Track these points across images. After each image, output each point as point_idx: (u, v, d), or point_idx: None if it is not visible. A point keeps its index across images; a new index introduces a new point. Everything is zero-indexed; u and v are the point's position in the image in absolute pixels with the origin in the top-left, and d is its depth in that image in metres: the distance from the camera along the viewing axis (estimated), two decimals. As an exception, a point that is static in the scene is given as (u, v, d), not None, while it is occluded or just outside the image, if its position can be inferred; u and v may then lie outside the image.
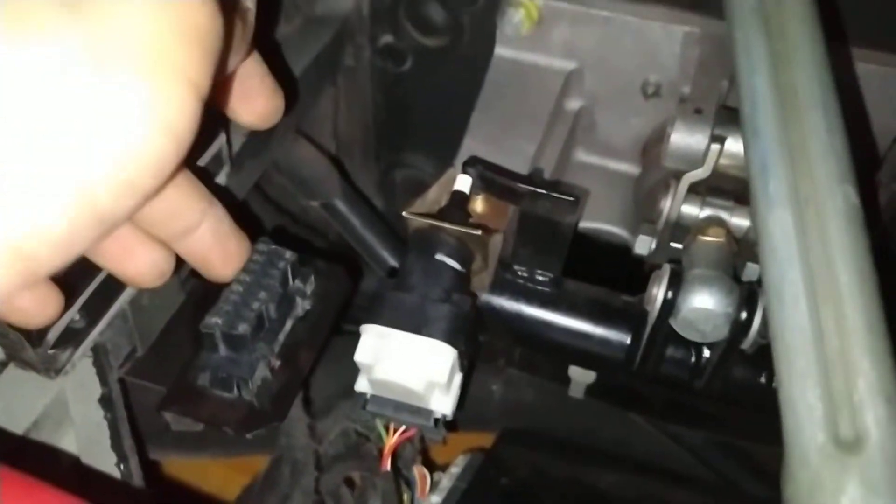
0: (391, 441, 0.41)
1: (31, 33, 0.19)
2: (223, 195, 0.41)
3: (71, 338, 0.36)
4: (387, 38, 0.59)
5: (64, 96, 0.20)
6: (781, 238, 0.25)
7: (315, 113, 0.66)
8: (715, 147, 0.43)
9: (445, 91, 0.60)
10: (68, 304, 0.34)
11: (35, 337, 0.34)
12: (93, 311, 0.36)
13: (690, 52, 0.48)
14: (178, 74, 0.22)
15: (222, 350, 0.35)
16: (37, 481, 0.22)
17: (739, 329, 0.41)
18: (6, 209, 0.19)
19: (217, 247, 0.32)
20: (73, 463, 0.35)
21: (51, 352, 0.35)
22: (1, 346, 0.36)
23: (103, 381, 0.37)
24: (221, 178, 0.42)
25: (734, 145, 0.43)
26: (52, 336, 0.34)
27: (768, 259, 0.25)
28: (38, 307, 0.29)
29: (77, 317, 0.35)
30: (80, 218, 0.21)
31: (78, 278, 0.33)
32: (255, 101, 0.34)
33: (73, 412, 0.37)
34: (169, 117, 0.22)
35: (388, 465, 0.44)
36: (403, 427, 0.40)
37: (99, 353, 0.38)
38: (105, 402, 0.36)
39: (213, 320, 0.34)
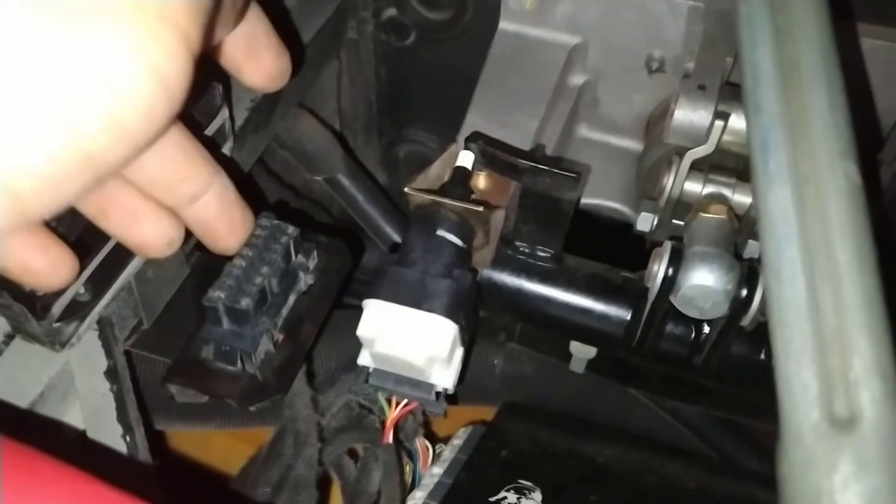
0: (393, 414, 0.41)
1: None
2: (227, 168, 0.41)
3: (76, 310, 0.36)
4: (390, 12, 0.58)
5: (47, 33, 0.20)
6: (780, 215, 0.25)
7: (318, 87, 0.65)
8: (718, 123, 0.43)
9: (449, 65, 0.60)
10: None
11: (40, 310, 0.34)
12: (98, 284, 0.36)
13: (695, 27, 0.48)
14: (165, 21, 0.22)
15: (226, 323, 0.35)
16: (39, 453, 0.22)
17: (739, 306, 0.41)
18: None
19: (223, 216, 0.32)
20: (78, 436, 0.36)
21: (56, 325, 0.35)
22: (6, 319, 0.36)
23: (109, 353, 0.37)
24: (225, 153, 0.43)
25: (737, 122, 0.43)
26: (56, 309, 0.35)
27: (767, 236, 0.25)
28: (51, 268, 0.29)
29: (82, 290, 0.36)
30: (67, 157, 0.21)
31: (83, 251, 0.33)
32: (261, 60, 0.33)
33: (78, 384, 0.37)
34: (156, 62, 0.22)
35: (389, 438, 0.44)
36: (405, 400, 0.41)
37: (104, 326, 0.38)
38: (111, 374, 0.37)
39: (216, 294, 0.34)
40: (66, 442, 0.35)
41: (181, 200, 0.31)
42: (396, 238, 0.61)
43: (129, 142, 0.22)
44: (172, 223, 0.31)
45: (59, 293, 0.34)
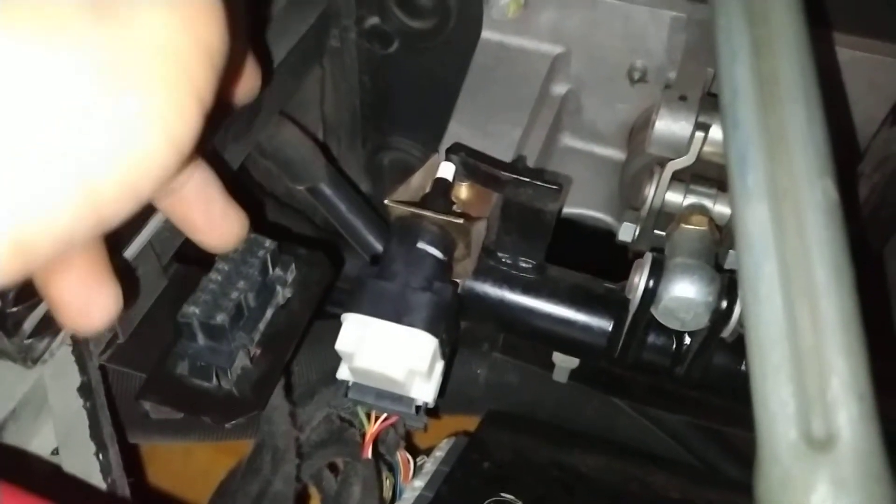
0: (373, 428, 0.41)
1: (54, 33, 0.20)
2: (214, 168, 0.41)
3: (48, 326, 0.35)
4: (373, 20, 0.58)
5: (81, 98, 0.20)
6: (758, 232, 0.24)
7: (301, 95, 0.65)
8: (699, 135, 0.42)
9: (432, 74, 0.60)
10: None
11: (11, 326, 0.33)
12: (70, 299, 0.36)
13: (677, 38, 0.48)
14: (189, 89, 0.23)
15: (201, 339, 0.35)
16: (5, 484, 0.22)
17: (720, 318, 0.41)
18: (15, 201, 0.20)
19: (200, 209, 0.31)
20: (47, 465, 0.35)
21: (27, 341, 0.35)
22: (-23, 335, 0.36)
23: (82, 369, 0.37)
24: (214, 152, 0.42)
25: (718, 133, 0.42)
26: (28, 325, 0.34)
27: (744, 253, 0.25)
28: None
29: (54, 305, 0.35)
30: (82, 217, 0.21)
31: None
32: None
33: (51, 401, 0.37)
34: (176, 129, 0.23)
35: (369, 453, 0.44)
36: (385, 414, 0.40)
37: (78, 341, 0.37)
38: (84, 390, 0.36)
39: (191, 310, 0.34)
40: (36, 467, 0.34)
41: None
42: (379, 247, 0.61)
43: (137, 200, 0.23)
44: (104, 291, 0.27)
45: (31, 308, 0.34)
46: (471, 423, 0.59)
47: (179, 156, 0.23)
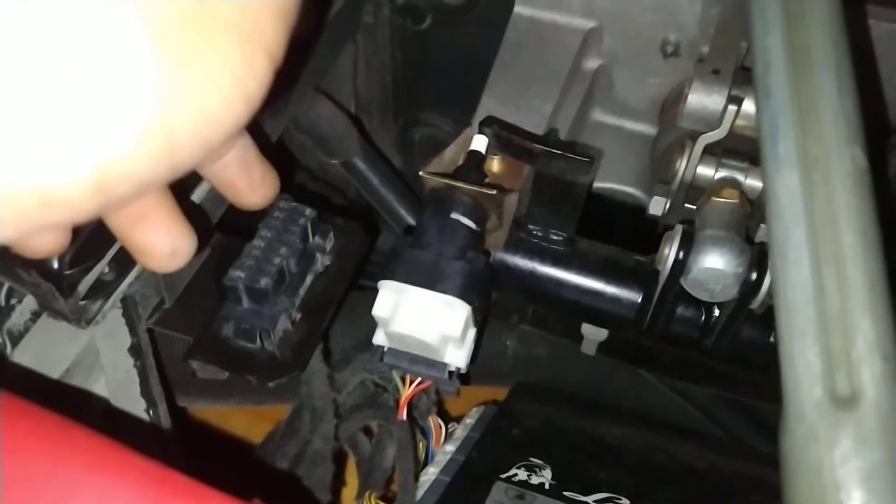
0: (407, 392, 0.42)
1: None
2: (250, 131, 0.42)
3: (101, 289, 0.37)
4: (406, -4, 0.59)
5: (162, 48, 0.21)
6: (787, 199, 0.25)
7: (334, 71, 0.66)
8: (732, 108, 0.43)
9: (464, 49, 0.60)
10: (98, 257, 0.35)
11: (67, 288, 0.35)
12: (122, 264, 0.37)
13: (711, 11, 0.48)
14: (263, 47, 0.23)
15: (245, 302, 0.36)
16: (71, 422, 0.23)
17: (749, 289, 0.41)
18: (98, 140, 0.21)
19: (243, 174, 0.33)
20: (105, 407, 0.37)
21: (82, 303, 0.36)
22: (34, 297, 0.38)
23: (132, 330, 0.38)
24: (243, 139, 0.43)
25: (750, 106, 0.43)
26: (82, 287, 0.36)
27: (774, 219, 0.25)
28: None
29: (107, 269, 0.37)
30: (159, 163, 0.22)
31: (107, 232, 0.34)
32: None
33: (103, 360, 0.39)
34: (249, 86, 0.23)
35: (404, 415, 0.45)
36: (419, 379, 0.42)
37: (128, 305, 0.39)
38: (134, 350, 0.38)
39: (237, 274, 0.35)
40: (93, 412, 0.36)
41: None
42: (411, 221, 0.62)
43: (207, 152, 0.24)
44: (183, 233, 0.30)
45: (85, 272, 0.35)
46: (499, 393, 0.60)
47: (250, 109, 0.24)
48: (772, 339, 0.46)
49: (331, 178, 0.73)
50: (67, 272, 0.34)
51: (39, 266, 0.33)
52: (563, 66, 0.52)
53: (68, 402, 0.37)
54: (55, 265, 0.33)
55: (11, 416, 0.24)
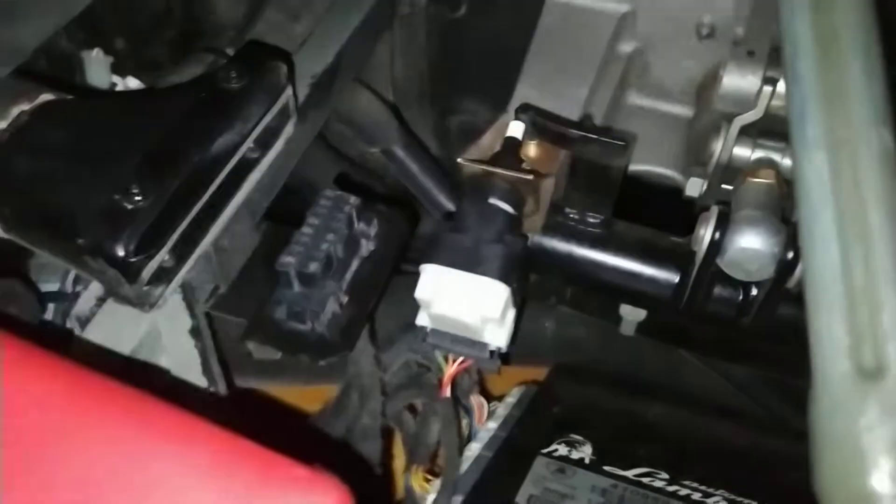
0: (450, 370, 0.44)
1: None
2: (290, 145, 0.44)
3: (162, 276, 0.40)
4: (442, -15, 0.60)
5: None
6: (815, 180, 0.26)
7: (372, 61, 0.67)
8: (766, 89, 0.43)
9: (499, 36, 0.61)
10: (160, 246, 0.38)
11: (132, 274, 0.38)
12: (181, 252, 0.40)
13: (745, -8, 0.48)
14: None
15: (296, 286, 0.38)
16: (142, 393, 0.26)
17: (785, 268, 0.42)
18: None
19: None
20: (168, 382, 0.40)
21: (145, 288, 0.39)
22: (101, 283, 0.40)
23: (192, 314, 0.41)
24: (288, 129, 0.45)
25: (784, 83, 0.43)
26: (146, 274, 0.38)
27: (802, 200, 0.26)
28: None
29: (167, 257, 0.39)
30: None
31: (168, 223, 0.37)
32: None
33: (165, 342, 0.41)
34: None
35: (447, 392, 0.47)
36: (461, 358, 0.43)
37: (187, 290, 0.42)
38: (194, 332, 0.40)
39: (288, 259, 0.37)
40: (160, 387, 0.39)
41: None
42: (449, 207, 0.63)
43: None
44: None
45: (148, 259, 0.38)
46: (538, 374, 0.61)
47: None
48: (808, 316, 0.46)
49: (368, 165, 0.75)
50: (132, 260, 0.37)
51: (107, 254, 0.36)
52: (598, 50, 0.52)
53: (136, 379, 0.39)
54: (121, 253, 0.36)
55: (86, 389, 0.26)
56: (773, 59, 0.43)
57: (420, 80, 0.71)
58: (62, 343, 0.40)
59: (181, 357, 0.41)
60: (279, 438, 0.29)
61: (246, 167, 0.42)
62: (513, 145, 0.45)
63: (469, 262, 0.40)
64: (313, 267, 0.37)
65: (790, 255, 0.41)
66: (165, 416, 0.25)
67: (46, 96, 0.40)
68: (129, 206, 0.35)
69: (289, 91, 0.44)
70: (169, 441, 0.24)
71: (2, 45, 0.36)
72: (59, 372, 0.27)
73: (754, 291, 0.47)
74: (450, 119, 0.73)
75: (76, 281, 0.48)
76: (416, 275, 0.41)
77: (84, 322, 0.44)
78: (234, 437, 0.24)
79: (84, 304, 0.45)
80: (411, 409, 0.52)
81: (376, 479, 0.47)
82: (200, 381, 0.39)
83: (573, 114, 0.49)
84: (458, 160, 0.44)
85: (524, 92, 0.51)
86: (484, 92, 0.68)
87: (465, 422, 0.51)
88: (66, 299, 0.47)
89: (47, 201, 0.37)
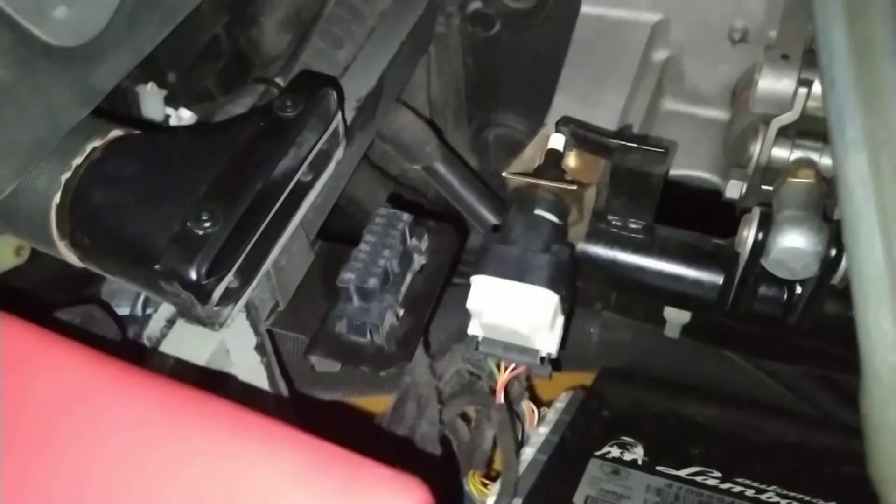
0: (503, 377, 0.45)
1: None
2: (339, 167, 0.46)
3: (230, 296, 0.42)
4: (475, 4, 0.62)
5: None
6: (857, 180, 0.27)
7: (411, 81, 0.70)
8: (802, 91, 0.44)
9: (533, 51, 0.63)
10: (228, 268, 0.40)
11: (204, 296, 0.40)
12: (246, 274, 0.42)
13: (777, -3, 0.49)
14: None
15: (356, 301, 0.40)
16: (228, 401, 0.27)
17: (829, 266, 0.42)
18: None
19: None
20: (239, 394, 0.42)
21: (215, 308, 0.41)
22: (174, 305, 0.43)
23: (256, 331, 0.43)
24: (339, 152, 0.47)
25: (821, 88, 0.44)
26: (216, 295, 0.41)
27: (845, 200, 0.27)
28: None
29: (234, 278, 0.42)
30: None
31: (235, 247, 0.39)
32: None
33: (233, 358, 0.44)
34: None
35: (501, 398, 0.48)
36: (513, 365, 0.45)
37: (250, 309, 0.44)
38: (260, 349, 0.43)
39: (348, 276, 0.39)
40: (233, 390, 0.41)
41: None
42: (493, 220, 0.65)
43: None
44: None
45: (218, 281, 0.40)
46: (585, 379, 0.62)
47: None
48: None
49: (411, 181, 0.77)
50: (204, 282, 0.39)
51: (181, 278, 0.38)
52: (633, 60, 0.54)
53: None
54: (194, 277, 0.38)
55: (182, 403, 0.28)
56: (808, 61, 0.44)
57: (457, 97, 0.73)
58: (142, 360, 0.43)
59: (249, 373, 0.43)
60: (349, 444, 0.30)
61: (302, 190, 0.44)
62: (555, 157, 0.46)
63: (518, 272, 0.41)
64: (372, 282, 0.39)
65: (833, 252, 0.42)
66: (254, 424, 0.27)
67: (116, 132, 0.42)
68: (200, 232, 0.37)
69: (339, 116, 0.46)
70: (261, 448, 0.26)
71: (84, 87, 0.38)
72: (151, 387, 0.29)
73: (799, 290, 0.48)
74: (487, 132, 0.75)
75: (146, 304, 0.51)
76: (467, 286, 0.43)
77: (156, 343, 0.46)
78: (320, 441, 0.26)
79: (155, 325, 0.47)
80: (463, 417, 0.54)
81: (441, 484, 0.49)
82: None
83: (611, 123, 0.50)
84: (504, 174, 0.46)
85: (562, 104, 0.52)
86: (519, 105, 0.70)
87: (517, 427, 0.52)
88: (137, 322, 0.49)
89: (123, 231, 0.40)
